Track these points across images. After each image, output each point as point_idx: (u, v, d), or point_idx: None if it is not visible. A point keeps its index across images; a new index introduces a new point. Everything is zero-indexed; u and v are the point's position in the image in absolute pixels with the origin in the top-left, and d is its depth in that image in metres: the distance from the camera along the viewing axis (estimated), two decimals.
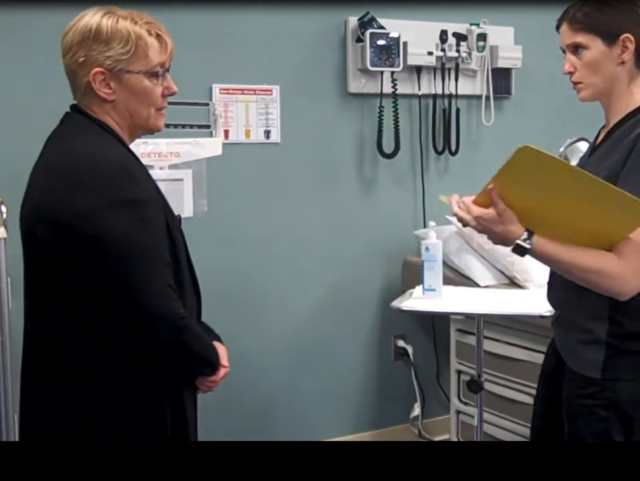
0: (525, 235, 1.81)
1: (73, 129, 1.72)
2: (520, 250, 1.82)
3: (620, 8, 1.91)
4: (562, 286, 1.95)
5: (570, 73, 1.96)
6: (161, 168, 2.59)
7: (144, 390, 1.71)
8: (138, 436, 1.71)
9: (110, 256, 1.60)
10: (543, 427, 2.15)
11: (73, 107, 1.76)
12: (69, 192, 1.60)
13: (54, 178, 1.65)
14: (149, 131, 1.81)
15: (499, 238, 1.84)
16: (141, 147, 2.56)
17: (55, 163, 1.67)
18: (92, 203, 1.59)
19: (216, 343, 1.90)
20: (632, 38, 1.89)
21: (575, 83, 1.96)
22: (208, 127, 2.75)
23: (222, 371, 1.87)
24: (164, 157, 2.60)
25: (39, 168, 1.71)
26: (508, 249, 1.92)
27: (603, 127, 2.03)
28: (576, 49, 1.93)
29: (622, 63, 1.91)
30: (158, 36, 1.73)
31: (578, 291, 1.88)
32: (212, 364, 1.85)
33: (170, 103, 2.65)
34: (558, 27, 2.00)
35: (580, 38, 1.92)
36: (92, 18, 1.68)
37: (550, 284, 2.07)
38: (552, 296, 2.07)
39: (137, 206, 1.64)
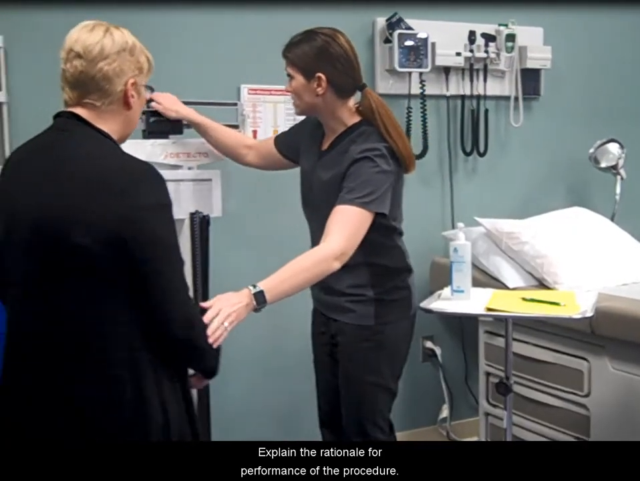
0: (250, 288, 2.03)
1: (81, 137, 1.72)
2: (259, 299, 2.03)
3: (316, 48, 2.24)
4: None
5: (289, 92, 2.34)
6: (189, 168, 2.61)
7: (168, 385, 1.74)
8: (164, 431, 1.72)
9: (150, 256, 1.65)
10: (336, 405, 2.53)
11: (65, 113, 1.76)
12: (106, 199, 1.62)
13: (83, 186, 1.64)
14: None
15: (241, 308, 1.99)
16: (171, 148, 2.57)
17: (77, 172, 1.66)
18: (132, 207, 1.62)
19: None
20: (324, 77, 2.23)
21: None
22: (236, 127, 2.76)
23: None
24: (193, 157, 2.62)
25: (49, 176, 1.67)
26: (538, 250, 1.91)
27: (324, 134, 2.40)
28: (289, 76, 2.31)
29: (320, 95, 2.25)
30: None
31: (338, 273, 2.20)
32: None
33: (198, 104, 2.70)
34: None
35: (289, 69, 2.30)
36: (119, 33, 1.75)
37: None
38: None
39: (167, 209, 1.70)
